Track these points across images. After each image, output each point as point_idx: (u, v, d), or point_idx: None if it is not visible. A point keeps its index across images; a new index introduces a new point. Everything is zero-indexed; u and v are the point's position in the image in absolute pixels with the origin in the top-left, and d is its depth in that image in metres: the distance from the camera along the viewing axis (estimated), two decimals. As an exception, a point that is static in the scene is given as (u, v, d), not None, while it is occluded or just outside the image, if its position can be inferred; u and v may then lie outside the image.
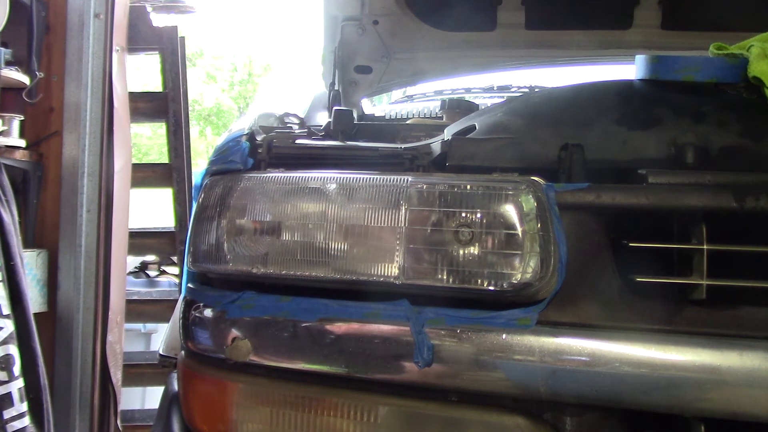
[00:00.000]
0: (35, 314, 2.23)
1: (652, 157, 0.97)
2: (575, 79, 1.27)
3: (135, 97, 3.02)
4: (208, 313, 1.09)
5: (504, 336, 0.92)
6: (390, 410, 0.97)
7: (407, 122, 1.65)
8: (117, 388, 2.61)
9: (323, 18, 1.87)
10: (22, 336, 2.12)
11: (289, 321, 1.01)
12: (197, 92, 16.14)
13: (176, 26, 3.22)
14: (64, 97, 2.51)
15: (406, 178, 0.99)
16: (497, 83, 3.01)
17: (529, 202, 0.93)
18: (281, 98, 1.65)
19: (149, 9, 3.19)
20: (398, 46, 1.97)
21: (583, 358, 0.89)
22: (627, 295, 0.92)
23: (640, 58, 1.13)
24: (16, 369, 2.06)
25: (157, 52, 3.21)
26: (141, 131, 13.09)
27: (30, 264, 2.34)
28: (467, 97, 2.78)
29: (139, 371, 3.03)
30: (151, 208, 4.50)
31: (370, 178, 1.00)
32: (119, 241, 2.64)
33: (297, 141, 1.17)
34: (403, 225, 0.97)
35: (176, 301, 2.30)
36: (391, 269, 0.97)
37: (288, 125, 1.33)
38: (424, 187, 0.97)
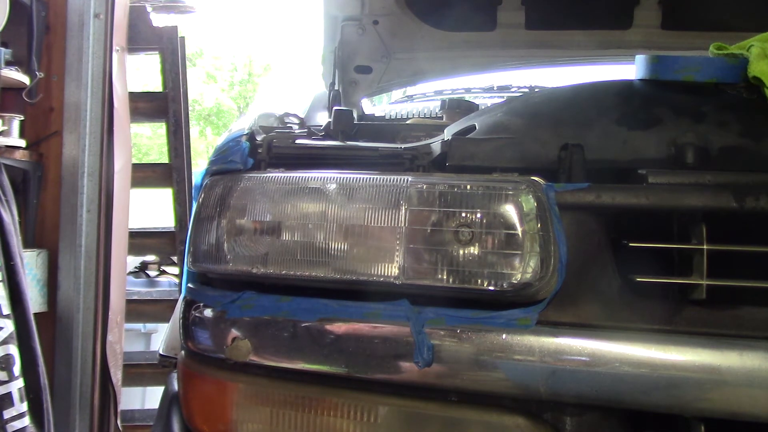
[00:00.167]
0: (35, 314, 2.23)
1: (652, 157, 0.97)
2: (575, 79, 1.27)
3: (135, 97, 3.02)
4: (208, 313, 1.09)
5: (504, 336, 0.92)
6: (390, 410, 0.97)
7: (407, 122, 1.65)
8: (117, 388, 2.61)
9: (323, 18, 1.86)
10: (22, 336, 2.12)
11: (289, 321, 1.01)
12: (197, 92, 16.15)
13: (176, 26, 3.22)
14: (64, 97, 2.51)
15: (406, 178, 0.99)
16: (497, 83, 3.01)
17: (529, 202, 0.93)
18: (281, 98, 1.64)
19: (149, 9, 3.18)
20: (398, 46, 1.97)
21: (583, 358, 0.89)
22: (627, 295, 0.92)
23: (640, 58, 1.13)
24: (16, 369, 2.06)
25: (157, 52, 3.21)
26: (141, 131, 13.10)
27: (30, 264, 2.34)
28: (467, 97, 2.78)
29: (139, 371, 3.03)
30: (151, 208, 4.50)
31: (370, 178, 1.00)
32: (119, 241, 2.64)
33: (297, 141, 1.17)
34: (403, 225, 0.97)
35: (176, 301, 2.30)
36: (391, 269, 0.97)
37: (288, 125, 1.33)
38: (424, 187, 0.97)
